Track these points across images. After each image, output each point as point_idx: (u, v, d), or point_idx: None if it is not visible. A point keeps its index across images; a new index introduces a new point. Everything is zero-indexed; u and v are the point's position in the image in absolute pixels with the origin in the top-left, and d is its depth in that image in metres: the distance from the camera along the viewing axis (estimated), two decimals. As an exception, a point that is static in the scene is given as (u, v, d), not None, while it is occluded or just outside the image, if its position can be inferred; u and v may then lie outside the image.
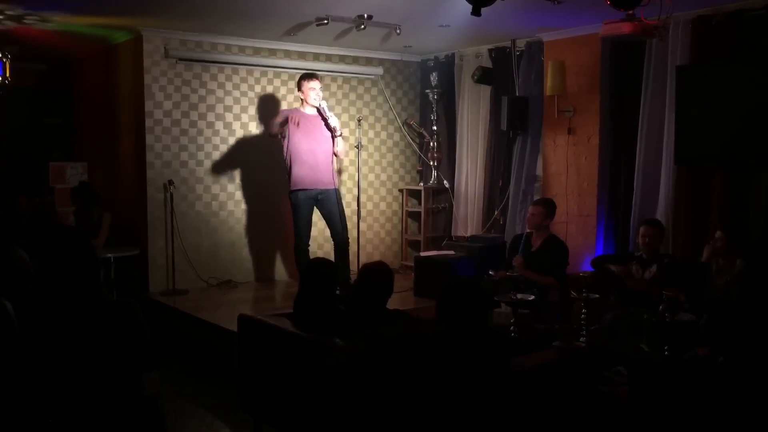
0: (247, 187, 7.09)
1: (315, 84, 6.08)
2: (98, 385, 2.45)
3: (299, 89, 6.17)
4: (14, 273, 2.51)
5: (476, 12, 3.04)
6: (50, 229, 5.78)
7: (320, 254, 7.07)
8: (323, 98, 6.17)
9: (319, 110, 6.07)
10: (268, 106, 7.12)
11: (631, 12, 4.34)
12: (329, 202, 6.11)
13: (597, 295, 4.33)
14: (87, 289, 2.43)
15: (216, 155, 6.93)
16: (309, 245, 6.28)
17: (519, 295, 4.26)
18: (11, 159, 7.92)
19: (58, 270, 2.43)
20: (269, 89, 7.16)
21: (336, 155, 6.24)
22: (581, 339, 4.08)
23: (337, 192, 6.20)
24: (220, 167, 6.96)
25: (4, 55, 5.92)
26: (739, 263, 4.53)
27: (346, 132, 7.47)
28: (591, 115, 6.30)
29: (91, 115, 7.83)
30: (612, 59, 6.21)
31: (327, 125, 6.06)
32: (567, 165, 6.48)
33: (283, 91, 7.22)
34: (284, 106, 7.12)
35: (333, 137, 6.10)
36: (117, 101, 7.14)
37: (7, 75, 5.98)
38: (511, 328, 4.10)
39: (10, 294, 2.37)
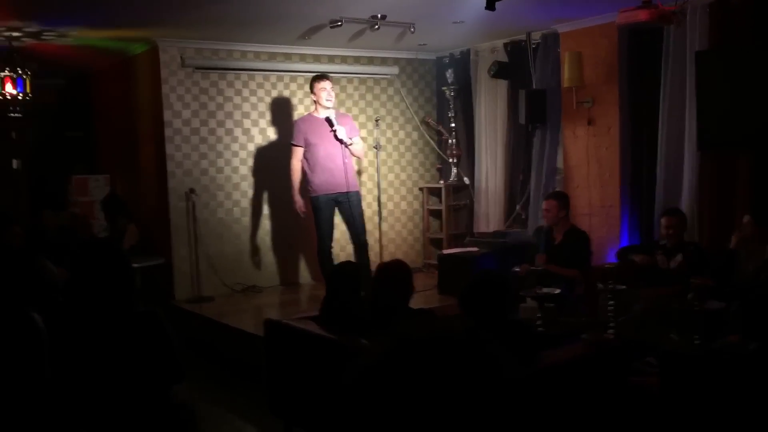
0: (268, 192, 7.12)
1: (326, 84, 6.09)
2: (129, 394, 2.47)
3: (312, 91, 6.19)
4: (43, 285, 2.54)
5: (490, 6, 3.03)
6: (82, 241, 5.86)
7: (343, 256, 7.07)
8: (333, 107, 6.15)
9: (328, 119, 6.07)
10: (285, 110, 7.15)
11: (647, -1, 4.30)
12: (350, 205, 6.11)
13: (624, 286, 4.29)
14: (120, 298, 2.46)
15: (236, 162, 6.97)
16: (332, 248, 6.29)
17: (544, 289, 4.23)
18: (35, 174, 8.04)
19: (91, 280, 2.46)
20: (286, 93, 7.19)
21: (355, 156, 6.25)
22: (609, 331, 4.04)
23: (357, 194, 6.20)
24: (241, 173, 6.99)
25: (24, 72, 6.00)
26: None
27: (364, 133, 7.48)
28: (610, 106, 6.24)
29: (111, 127, 7.91)
30: (629, 48, 6.14)
31: (335, 137, 6.05)
32: (588, 156, 6.43)
33: (300, 95, 7.24)
34: (301, 110, 7.14)
35: (347, 145, 6.09)
36: (136, 112, 7.21)
37: (28, 91, 6.05)
38: (538, 322, 4.07)
39: (39, 306, 2.40)
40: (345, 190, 6.07)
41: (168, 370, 2.49)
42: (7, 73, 5.94)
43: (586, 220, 6.29)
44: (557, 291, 4.30)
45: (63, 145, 8.19)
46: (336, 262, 6.78)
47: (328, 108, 6.10)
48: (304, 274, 7.35)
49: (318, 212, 6.13)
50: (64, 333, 2.37)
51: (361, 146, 6.26)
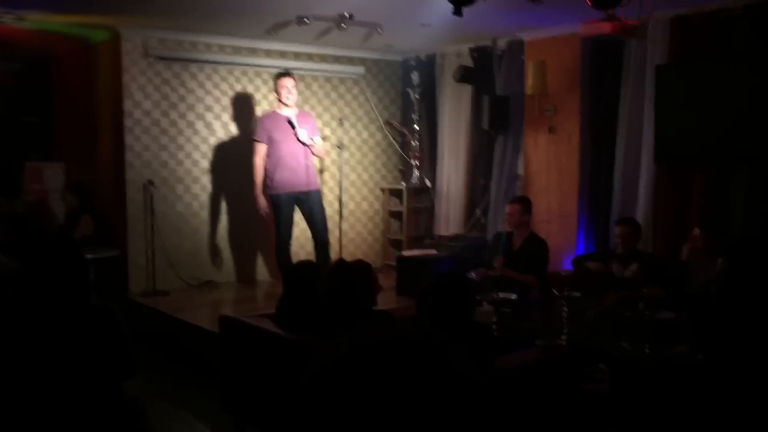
0: (228, 187, 7.04)
1: (286, 82, 6.06)
2: (79, 389, 2.42)
3: (275, 88, 6.17)
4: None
5: (458, 12, 3.04)
6: (34, 230, 5.72)
7: (303, 254, 7.04)
8: (294, 104, 6.11)
9: (289, 121, 6.04)
10: (248, 105, 7.09)
11: (611, 12, 4.37)
12: (311, 203, 6.10)
13: (578, 294, 4.36)
14: (73, 291, 2.40)
15: (196, 155, 6.88)
16: (291, 246, 6.26)
17: (501, 295, 4.27)
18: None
19: (43, 272, 2.40)
20: (250, 88, 7.13)
21: (316, 155, 6.24)
22: (563, 337, 4.11)
23: (318, 193, 6.19)
24: (201, 167, 6.91)
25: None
26: (720, 262, 4.57)
27: (327, 131, 7.47)
28: (571, 114, 6.33)
29: (70, 114, 7.74)
30: (592, 58, 6.25)
31: (297, 139, 6.03)
32: (548, 164, 6.52)
33: (264, 90, 7.18)
34: (265, 105, 7.09)
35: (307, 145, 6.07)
36: (96, 100, 7.06)
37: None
38: (493, 327, 4.11)
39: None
40: (306, 189, 6.06)
41: (119, 365, 2.44)
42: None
43: (544, 227, 6.38)
44: (513, 297, 4.35)
45: (19, 131, 7.97)
46: (296, 260, 6.76)
47: (288, 105, 6.07)
48: (262, 271, 7.30)
49: (278, 210, 6.09)
50: (12, 325, 2.31)
51: (321, 145, 6.26)
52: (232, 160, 6.97)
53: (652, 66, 5.65)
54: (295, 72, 6.66)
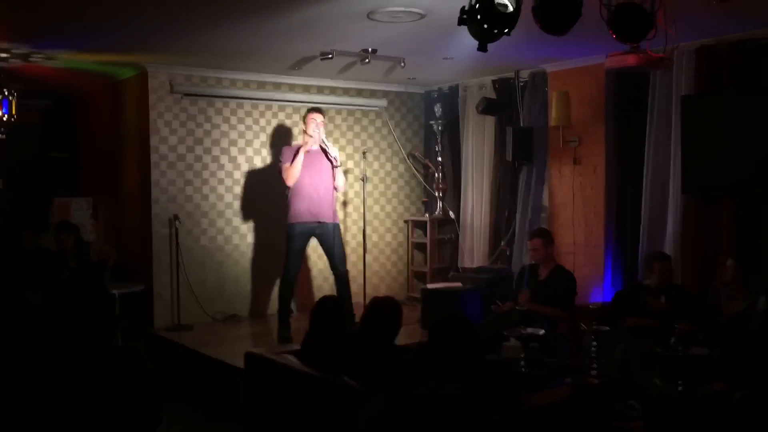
0: (251, 221, 7.08)
1: (316, 116, 6.09)
2: None
3: (303, 121, 6.20)
4: (21, 315, 2.48)
5: (483, 48, 3.05)
6: (62, 272, 5.76)
7: (326, 286, 7.04)
8: (319, 138, 6.12)
9: (321, 146, 6.07)
10: (272, 139, 7.14)
11: (636, 45, 4.35)
12: (328, 236, 6.07)
13: (607, 328, 4.28)
14: (97, 333, 2.39)
15: (221, 189, 6.93)
16: (296, 279, 6.20)
17: (528, 329, 4.21)
18: (18, 194, 7.93)
19: (68, 315, 2.39)
20: (274, 123, 7.18)
21: (336, 189, 6.20)
22: (592, 373, 4.03)
23: (336, 226, 6.14)
24: (225, 201, 6.95)
25: (10, 93, 5.96)
26: (762, 300, 4.45)
27: (351, 164, 7.49)
28: (596, 145, 6.29)
29: (97, 150, 7.85)
30: (617, 89, 6.22)
31: (327, 155, 6.05)
32: (573, 195, 6.46)
33: (288, 124, 7.24)
34: (289, 139, 7.14)
35: (333, 167, 6.07)
36: (122, 136, 7.16)
37: (13, 112, 6.00)
38: (522, 363, 4.04)
39: (16, 335, 2.33)
40: (323, 221, 6.04)
41: (145, 414, 2.41)
42: (-8, 93, 5.90)
43: (570, 259, 6.30)
44: (541, 332, 4.28)
45: (47, 167, 8.10)
46: (320, 292, 6.74)
47: (312, 137, 6.06)
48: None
49: (290, 241, 6.06)
50: (37, 363, 2.30)
51: (341, 179, 6.20)
52: (256, 194, 7.01)
53: (678, 96, 5.61)
54: (318, 106, 6.70)
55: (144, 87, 6.57)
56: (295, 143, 6.69)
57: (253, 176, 7.07)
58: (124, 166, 7.17)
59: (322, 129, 6.08)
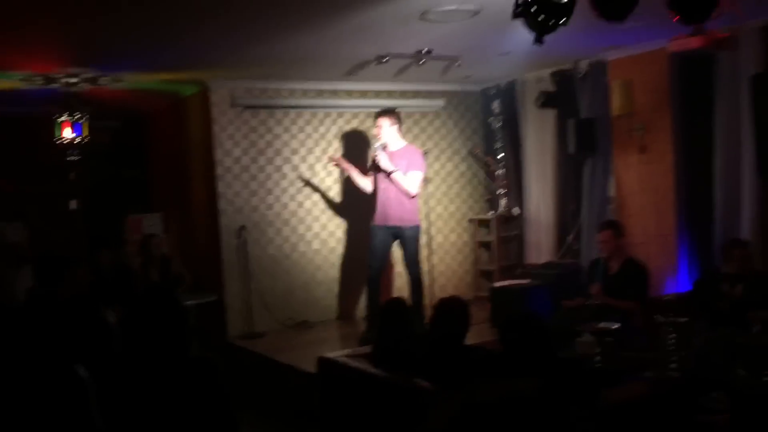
0: (317, 227, 7.16)
1: (380, 121, 6.07)
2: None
3: None
4: (101, 332, 2.56)
5: (539, 41, 3.00)
6: (137, 286, 5.95)
7: (407, 290, 7.05)
8: (395, 135, 6.10)
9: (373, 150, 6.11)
10: (332, 146, 7.21)
11: (699, 26, 4.22)
12: (403, 239, 6.09)
13: (685, 319, 4.15)
14: (173, 344, 2.46)
15: (285, 198, 7.03)
16: (377, 277, 6.23)
17: (602, 324, 4.12)
18: (92, 214, 8.25)
19: (145, 326, 2.47)
20: (333, 130, 7.25)
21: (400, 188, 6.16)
22: (672, 366, 3.91)
23: (412, 229, 6.10)
24: (290, 209, 7.05)
25: (82, 116, 6.20)
26: None
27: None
28: (663, 132, 6.12)
29: (165, 166, 8.09)
30: (681, 74, 6.03)
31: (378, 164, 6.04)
32: (641, 184, 6.30)
33: (347, 129, 7.30)
34: (348, 145, 7.20)
35: (388, 174, 6.05)
36: (188, 152, 7.36)
37: (86, 134, 6.25)
38: (597, 358, 3.96)
39: (95, 356, 2.41)
40: (398, 224, 6.03)
41: (221, 422, 2.46)
42: (66, 117, 6.14)
43: (642, 249, 6.14)
44: (616, 326, 4.18)
45: (119, 186, 8.40)
46: (401, 294, 6.73)
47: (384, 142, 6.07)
48: (355, 308, 7.32)
49: (371, 241, 6.15)
50: (119, 383, 2.38)
51: (410, 181, 6.12)
52: (319, 201, 7.09)
53: (746, 76, 5.40)
54: (376, 110, 6.72)
55: (206, 102, 6.74)
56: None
57: (315, 184, 7.15)
58: (191, 180, 7.36)
59: (384, 132, 6.05)
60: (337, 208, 7.22)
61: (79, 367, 2.15)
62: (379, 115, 6.12)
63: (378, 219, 6.09)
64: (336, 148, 7.20)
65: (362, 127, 7.29)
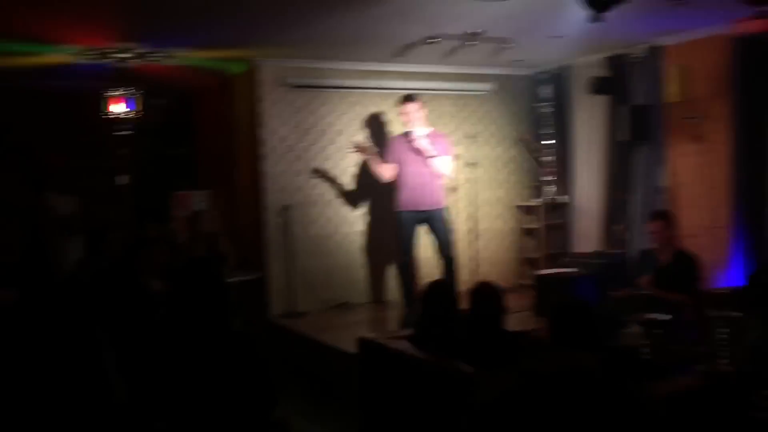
0: (359, 210, 7.14)
1: (408, 107, 6.02)
2: (225, 413, 2.46)
3: (400, 113, 6.17)
4: (145, 300, 2.59)
5: (598, 17, 2.89)
6: (183, 258, 6.03)
7: (435, 274, 6.99)
8: (422, 120, 6.06)
9: (408, 132, 6.03)
10: (378, 128, 7.16)
11: (763, 9, 4.04)
12: (434, 222, 6.05)
13: (739, 313, 4.00)
14: (213, 316, 2.47)
15: (331, 178, 7.02)
16: (412, 261, 6.20)
17: (652, 315, 4.00)
18: (142, 189, 8.37)
19: (189, 298, 2.48)
20: (379, 111, 7.19)
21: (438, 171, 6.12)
22: (723, 361, 3.78)
23: (442, 212, 6.09)
24: (334, 190, 7.04)
25: (136, 91, 6.27)
26: None
27: (459, 149, 7.40)
28: (719, 122, 5.91)
29: (212, 144, 8.15)
30: (742, 60, 5.81)
31: (416, 148, 5.98)
32: (695, 175, 6.11)
33: (394, 112, 7.22)
34: (394, 127, 7.12)
35: (427, 157, 5.99)
36: (235, 130, 7.39)
37: (139, 109, 6.31)
38: (644, 350, 3.85)
39: (140, 319, 2.43)
40: (429, 208, 6.01)
41: (261, 395, 2.46)
42: (120, 93, 6.21)
43: (693, 242, 5.95)
44: (668, 317, 4.06)
45: (167, 162, 8.49)
46: (430, 279, 6.67)
47: (412, 129, 6.03)
48: (395, 291, 7.28)
49: (400, 227, 6.12)
50: (160, 349, 2.39)
51: (446, 164, 6.10)
52: (363, 183, 7.06)
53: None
54: (424, 92, 6.65)
55: (253, 81, 6.75)
56: (398, 133, 6.65)
57: (359, 165, 7.12)
58: (237, 159, 7.40)
59: (414, 118, 6.00)
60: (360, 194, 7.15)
61: (97, 330, 2.18)
62: (406, 100, 6.06)
63: (407, 204, 6.03)
64: (366, 131, 7.14)
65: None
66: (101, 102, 6.24)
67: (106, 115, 6.23)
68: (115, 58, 5.98)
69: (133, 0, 4.53)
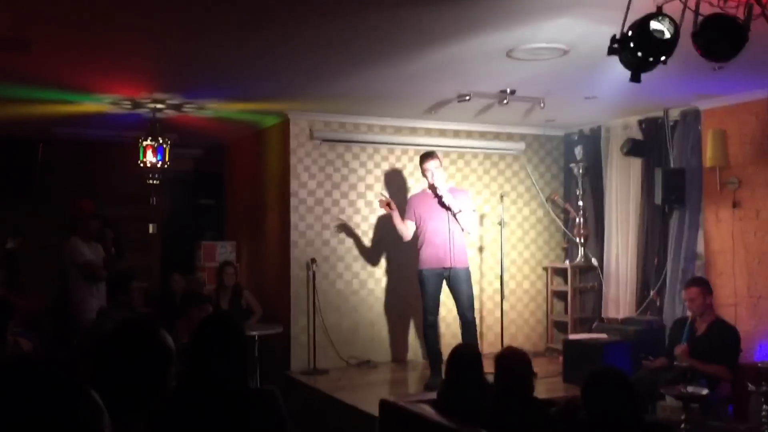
0: (387, 266, 7.03)
1: (429, 164, 5.94)
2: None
3: (421, 169, 6.10)
4: (158, 356, 2.50)
5: (636, 78, 2.82)
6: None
7: (447, 334, 6.85)
8: (443, 177, 6.00)
9: (434, 188, 5.94)
10: (407, 184, 7.11)
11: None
12: (456, 281, 5.90)
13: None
14: (231, 373, 2.37)
15: (357, 233, 6.95)
16: (437, 321, 6.06)
17: (690, 388, 3.81)
18: (170, 238, 8.40)
19: (207, 351, 2.40)
20: (410, 167, 7.15)
21: (464, 229, 6.00)
22: (765, 440, 3.57)
23: (464, 271, 5.95)
24: (361, 246, 6.96)
25: (165, 141, 6.32)
26: None
27: (487, 209, 7.31)
28: (760, 187, 5.75)
29: (241, 196, 8.17)
30: (781, 126, 5.69)
31: (441, 203, 5.90)
32: (733, 241, 5.92)
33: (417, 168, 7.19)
34: (423, 184, 7.08)
35: (453, 214, 5.89)
36: (264, 182, 7.40)
37: (167, 159, 6.35)
38: (682, 426, 3.65)
39: (150, 376, 2.32)
40: (449, 266, 5.87)
41: None
42: (149, 142, 6.27)
43: (730, 311, 5.74)
44: (705, 391, 3.86)
45: (196, 212, 8.53)
46: (441, 339, 6.51)
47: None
48: (416, 351, 7.11)
49: (423, 286, 5.98)
50: (174, 409, 2.29)
51: (468, 222, 5.99)
52: (391, 239, 6.96)
53: None
54: (454, 150, 6.61)
55: (285, 134, 6.77)
56: (416, 191, 6.58)
57: (387, 220, 7.04)
58: (265, 210, 7.39)
59: (437, 175, 5.92)
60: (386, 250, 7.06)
61: (93, 392, 2.06)
62: (427, 157, 6.00)
63: (430, 262, 5.90)
64: (394, 186, 7.09)
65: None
66: (139, 150, 6.29)
67: (143, 162, 6.27)
68: (149, 108, 6.06)
69: (168, 52, 4.58)
